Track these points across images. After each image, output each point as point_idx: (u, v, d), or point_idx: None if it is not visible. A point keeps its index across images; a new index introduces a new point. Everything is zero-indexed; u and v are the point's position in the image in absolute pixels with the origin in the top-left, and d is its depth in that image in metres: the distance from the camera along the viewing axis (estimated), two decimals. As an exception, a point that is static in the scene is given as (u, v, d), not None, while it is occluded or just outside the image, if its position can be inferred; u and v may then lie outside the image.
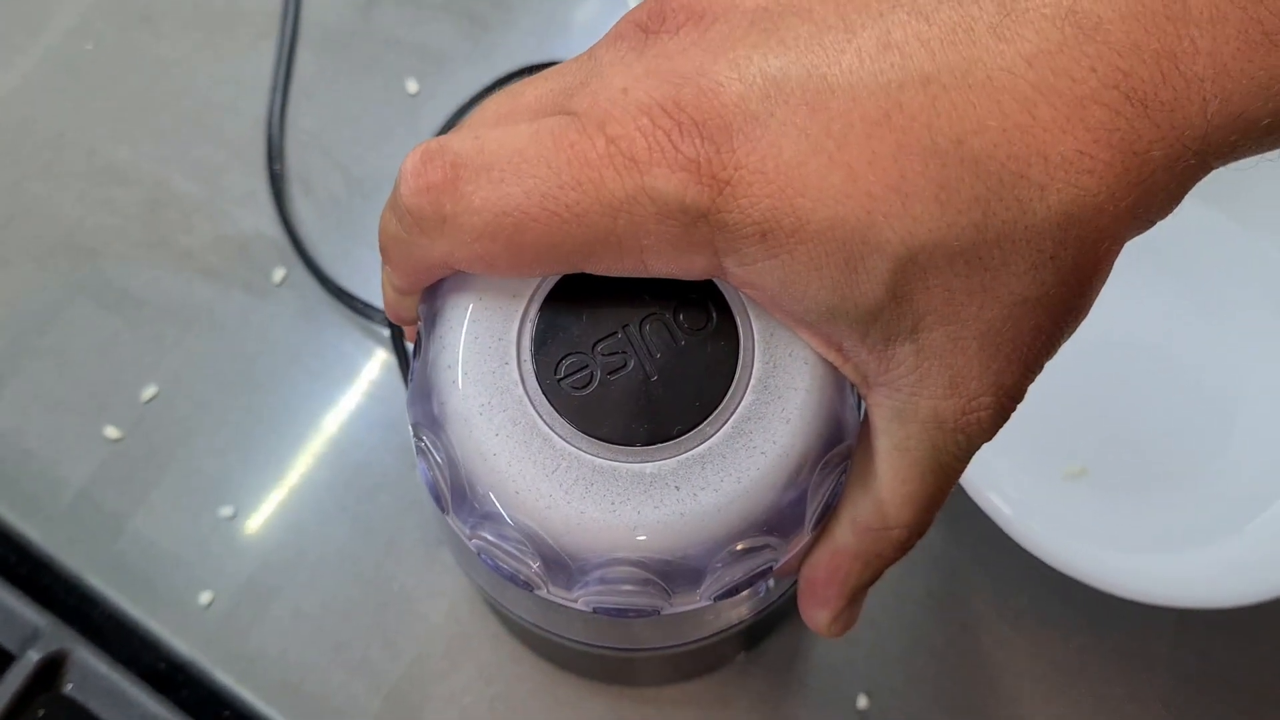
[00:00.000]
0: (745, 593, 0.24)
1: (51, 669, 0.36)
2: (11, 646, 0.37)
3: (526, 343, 0.22)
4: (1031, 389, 0.22)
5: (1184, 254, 0.42)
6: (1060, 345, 0.22)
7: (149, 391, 0.43)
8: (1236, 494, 0.40)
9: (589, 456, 0.21)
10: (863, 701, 0.39)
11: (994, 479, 0.35)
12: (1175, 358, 0.42)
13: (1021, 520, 0.35)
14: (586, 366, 0.22)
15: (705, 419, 0.22)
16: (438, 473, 0.23)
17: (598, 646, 0.29)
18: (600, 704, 0.39)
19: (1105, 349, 0.40)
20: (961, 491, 0.35)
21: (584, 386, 0.22)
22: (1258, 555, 0.37)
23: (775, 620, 0.36)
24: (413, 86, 0.47)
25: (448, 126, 0.45)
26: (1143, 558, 0.38)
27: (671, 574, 0.22)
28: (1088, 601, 0.39)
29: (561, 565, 0.22)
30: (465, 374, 0.22)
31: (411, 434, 0.24)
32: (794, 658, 0.39)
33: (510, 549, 0.23)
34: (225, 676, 0.39)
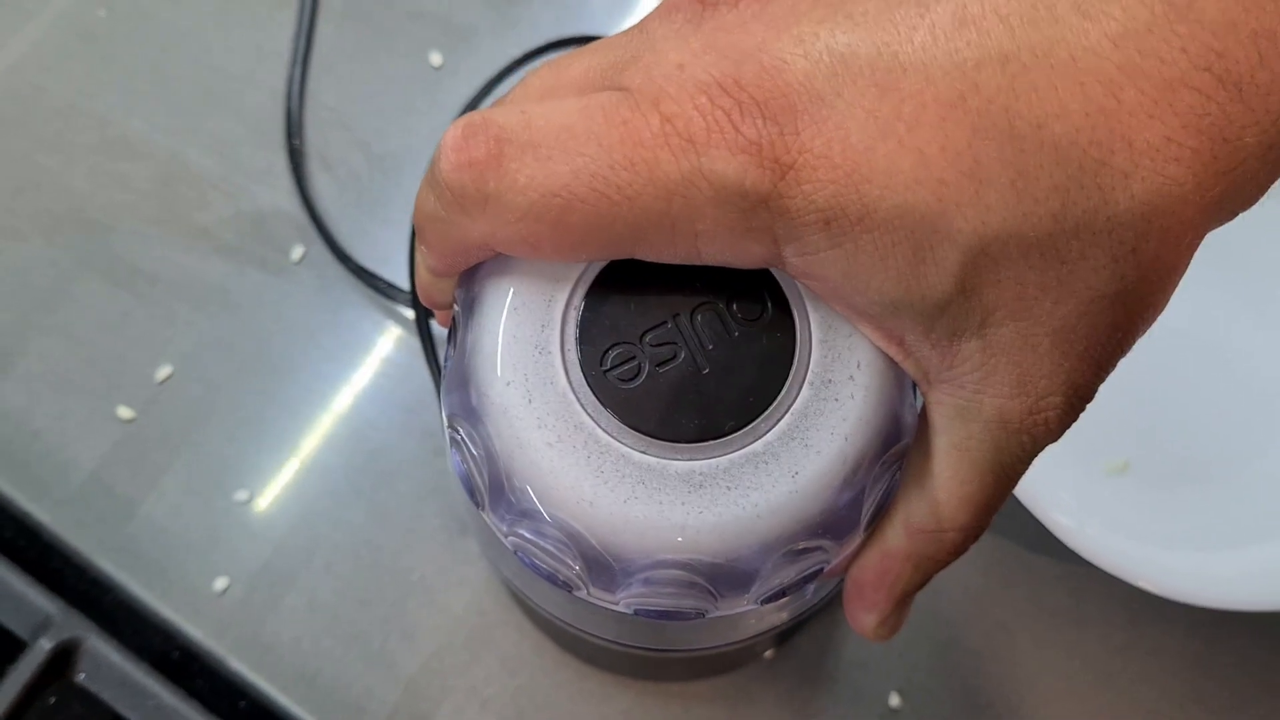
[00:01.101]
0: (790, 595, 0.23)
1: (63, 657, 0.36)
2: (23, 634, 0.36)
3: (571, 331, 0.21)
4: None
5: (1232, 243, 0.40)
6: (1135, 342, 0.20)
7: (163, 371, 0.42)
8: (1280, 492, 0.39)
9: (636, 453, 0.20)
10: (895, 700, 0.38)
11: (1036, 476, 0.34)
12: (1220, 350, 0.40)
13: (1065, 519, 0.34)
14: (634, 358, 0.21)
15: (759, 415, 0.21)
16: (473, 466, 0.22)
17: (630, 646, 0.28)
18: (626, 698, 0.38)
19: (1150, 340, 0.39)
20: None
21: (631, 379, 0.21)
22: (1303, 557, 0.36)
23: (807, 618, 0.35)
24: (436, 60, 0.45)
25: (473, 101, 0.44)
26: (1185, 556, 0.37)
27: (720, 577, 0.21)
28: (1126, 600, 0.39)
29: (604, 566, 0.21)
30: (505, 364, 0.21)
31: (445, 425, 0.23)
32: (824, 654, 0.39)
33: (550, 548, 0.22)
34: (240, 665, 0.39)
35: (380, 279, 0.42)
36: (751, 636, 0.27)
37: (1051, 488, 0.35)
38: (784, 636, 0.38)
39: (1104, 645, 0.39)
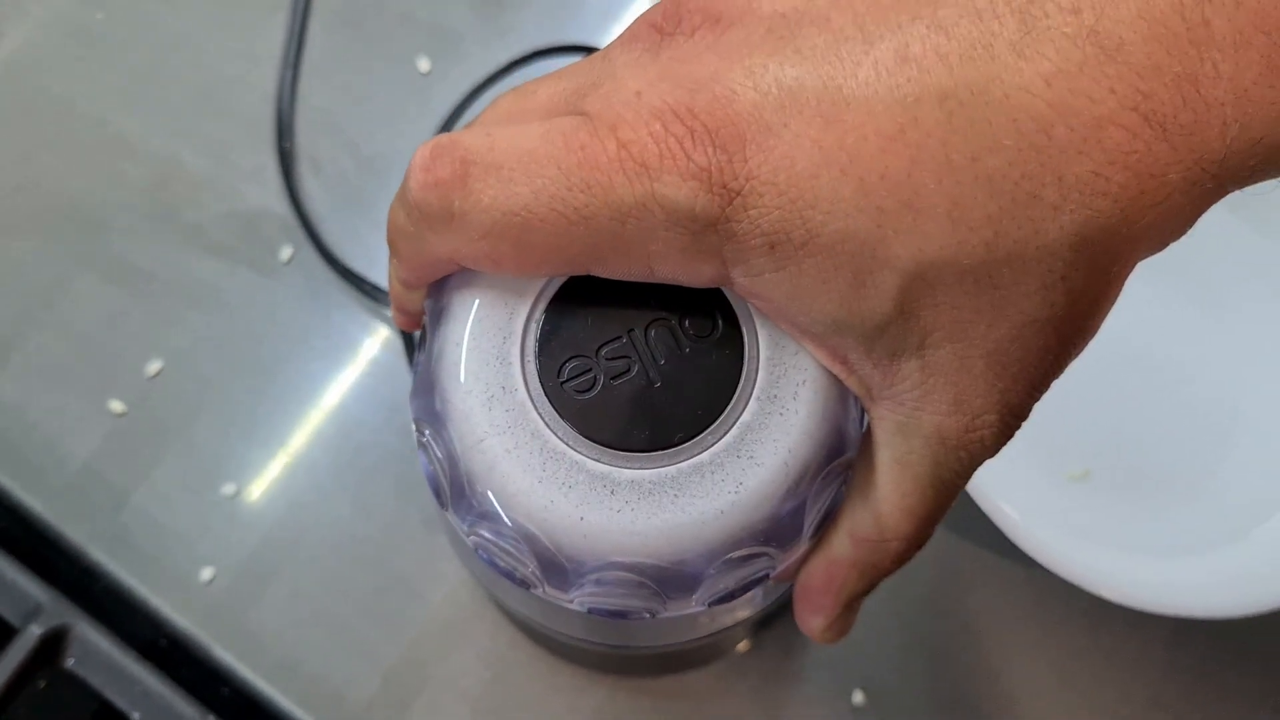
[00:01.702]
0: (741, 598, 0.24)
1: (53, 643, 0.37)
2: (14, 620, 0.37)
3: (531, 343, 0.22)
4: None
5: (1189, 255, 0.41)
6: (1067, 365, 0.21)
7: (154, 366, 0.43)
8: (1240, 500, 0.40)
9: (589, 461, 0.21)
10: (859, 697, 0.39)
11: (998, 482, 0.35)
12: (1180, 360, 0.41)
13: (1026, 525, 0.35)
14: (590, 370, 0.22)
15: (707, 428, 0.21)
16: (438, 468, 0.23)
17: (593, 643, 0.29)
18: (597, 693, 0.39)
19: (1110, 351, 0.40)
20: (965, 494, 0.35)
21: (587, 390, 0.22)
22: (1260, 565, 0.37)
23: (778, 611, 0.36)
24: (424, 65, 0.46)
25: (460, 107, 0.45)
26: (1145, 564, 0.38)
27: (667, 580, 0.22)
28: (1087, 605, 0.39)
29: (558, 567, 0.22)
30: (468, 372, 0.22)
31: (414, 427, 0.24)
32: (791, 651, 0.40)
33: (507, 548, 0.23)
34: (225, 654, 0.40)
35: (366, 280, 0.43)
36: (709, 634, 0.28)
37: (1014, 496, 0.36)
38: (759, 627, 0.39)
39: (1065, 648, 0.40)
